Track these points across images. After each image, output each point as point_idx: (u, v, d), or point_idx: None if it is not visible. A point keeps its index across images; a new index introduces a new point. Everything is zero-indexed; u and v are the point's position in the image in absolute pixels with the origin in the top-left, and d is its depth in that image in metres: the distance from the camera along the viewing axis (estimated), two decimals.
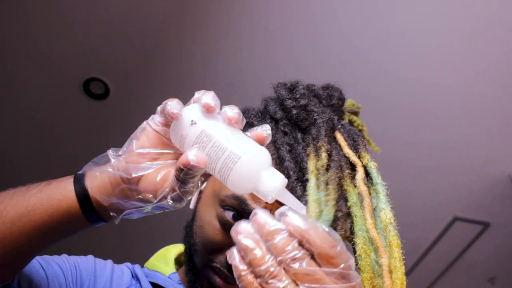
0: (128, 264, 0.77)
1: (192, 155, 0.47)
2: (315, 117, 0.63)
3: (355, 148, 0.63)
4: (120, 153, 0.53)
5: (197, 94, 0.53)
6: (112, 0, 1.75)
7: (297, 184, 0.60)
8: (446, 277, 2.63)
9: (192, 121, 0.50)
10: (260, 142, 0.51)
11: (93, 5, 1.76)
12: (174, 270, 0.74)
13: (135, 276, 0.73)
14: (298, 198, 0.58)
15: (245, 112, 0.72)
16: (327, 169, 0.59)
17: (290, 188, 0.60)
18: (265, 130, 0.51)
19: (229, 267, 0.62)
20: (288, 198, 0.48)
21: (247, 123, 0.69)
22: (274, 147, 0.64)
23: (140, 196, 0.51)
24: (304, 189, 0.58)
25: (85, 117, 2.15)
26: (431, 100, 1.93)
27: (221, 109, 0.51)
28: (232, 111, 0.49)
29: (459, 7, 1.66)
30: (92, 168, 0.54)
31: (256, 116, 0.70)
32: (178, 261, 0.79)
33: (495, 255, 2.52)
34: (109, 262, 0.74)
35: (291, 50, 1.84)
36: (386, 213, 0.55)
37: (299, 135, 0.64)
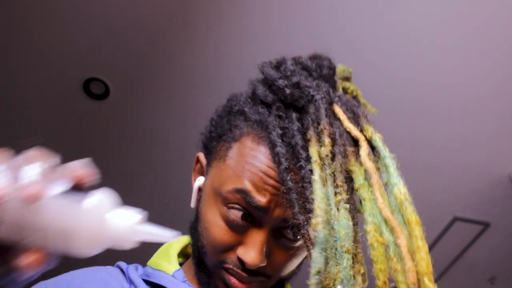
0: (122, 264, 0.72)
1: (22, 264, 0.35)
2: (311, 93, 0.58)
3: (356, 121, 0.58)
4: None
5: None
6: (112, 0, 1.75)
7: (287, 175, 0.54)
8: (446, 277, 2.63)
9: None
10: (80, 184, 0.40)
11: (93, 5, 1.76)
12: (178, 267, 0.70)
13: (129, 280, 0.68)
14: (289, 190, 0.53)
15: (233, 99, 0.69)
16: (332, 159, 0.53)
17: (280, 178, 0.55)
18: (78, 168, 0.40)
19: (242, 266, 0.60)
20: (148, 232, 0.41)
21: (237, 111, 0.65)
22: (266, 131, 0.59)
23: None
24: (294, 180, 0.53)
25: (85, 117, 2.15)
26: (431, 100, 1.93)
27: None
28: (29, 187, 0.35)
29: (459, 7, 1.66)
30: None
31: (245, 102, 0.65)
32: (183, 254, 0.75)
33: (495, 255, 2.52)
34: (89, 272, 0.66)
35: (292, 51, 1.84)
36: (400, 188, 0.49)
37: (293, 115, 0.58)
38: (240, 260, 0.60)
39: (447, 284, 2.66)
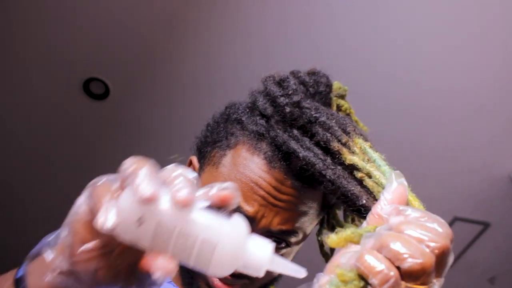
0: None
1: (157, 269, 0.37)
2: (314, 115, 0.60)
3: (348, 137, 0.61)
4: (59, 248, 0.42)
5: (125, 172, 0.40)
6: (113, 0, 1.75)
7: (327, 169, 0.56)
8: (446, 277, 2.62)
9: (136, 221, 0.39)
10: (224, 204, 0.41)
11: (93, 5, 1.76)
12: None
13: None
14: (338, 178, 0.56)
15: (231, 107, 0.71)
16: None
17: (324, 173, 0.56)
18: (225, 188, 0.41)
19: None
20: (281, 263, 0.43)
21: (235, 119, 0.67)
22: (274, 144, 0.62)
23: None
24: (334, 171, 0.56)
25: (85, 117, 2.15)
26: (432, 100, 1.93)
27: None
28: (182, 192, 0.37)
29: (458, 10, 1.66)
30: (33, 275, 0.44)
31: (244, 112, 0.67)
32: None
33: (495, 255, 2.52)
34: None
35: (291, 54, 1.84)
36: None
37: (295, 132, 0.61)
38: None
39: (447, 284, 2.66)
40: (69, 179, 2.41)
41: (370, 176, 0.54)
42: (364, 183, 0.55)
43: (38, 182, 2.43)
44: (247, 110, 0.68)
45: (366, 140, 0.59)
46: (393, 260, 0.37)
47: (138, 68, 1.95)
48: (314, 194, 0.64)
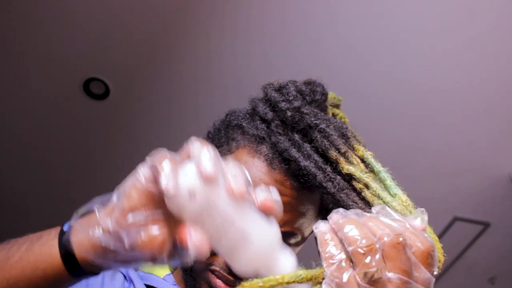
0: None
1: (191, 245, 0.42)
2: (314, 121, 0.62)
3: (348, 144, 0.62)
4: (108, 210, 0.46)
5: (192, 149, 0.44)
6: (113, 0, 1.75)
7: (327, 180, 0.58)
8: (446, 277, 2.63)
9: (189, 193, 0.42)
10: (268, 212, 0.44)
11: (93, 5, 1.76)
12: (169, 272, 0.74)
13: (128, 279, 0.72)
14: (340, 190, 0.57)
15: (232, 114, 0.72)
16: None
17: (324, 185, 0.58)
18: (273, 196, 0.44)
19: (228, 269, 0.62)
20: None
21: (235, 125, 0.69)
22: (275, 149, 0.63)
23: (135, 262, 0.46)
24: (335, 185, 0.57)
25: (85, 117, 2.15)
26: (432, 100, 1.93)
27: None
28: (238, 183, 0.42)
29: (458, 10, 1.66)
30: (78, 229, 0.47)
31: (244, 118, 0.69)
32: None
33: (495, 255, 2.52)
34: None
35: (291, 50, 1.84)
36: (401, 197, 0.53)
37: (296, 136, 0.62)
38: (226, 264, 0.62)
39: (447, 284, 2.67)
40: (69, 179, 2.41)
41: (368, 187, 0.56)
42: (362, 194, 0.56)
43: (38, 182, 2.43)
44: (247, 116, 0.69)
45: (365, 147, 0.60)
46: (345, 243, 0.40)
47: (138, 68, 1.95)
48: (312, 196, 0.65)
